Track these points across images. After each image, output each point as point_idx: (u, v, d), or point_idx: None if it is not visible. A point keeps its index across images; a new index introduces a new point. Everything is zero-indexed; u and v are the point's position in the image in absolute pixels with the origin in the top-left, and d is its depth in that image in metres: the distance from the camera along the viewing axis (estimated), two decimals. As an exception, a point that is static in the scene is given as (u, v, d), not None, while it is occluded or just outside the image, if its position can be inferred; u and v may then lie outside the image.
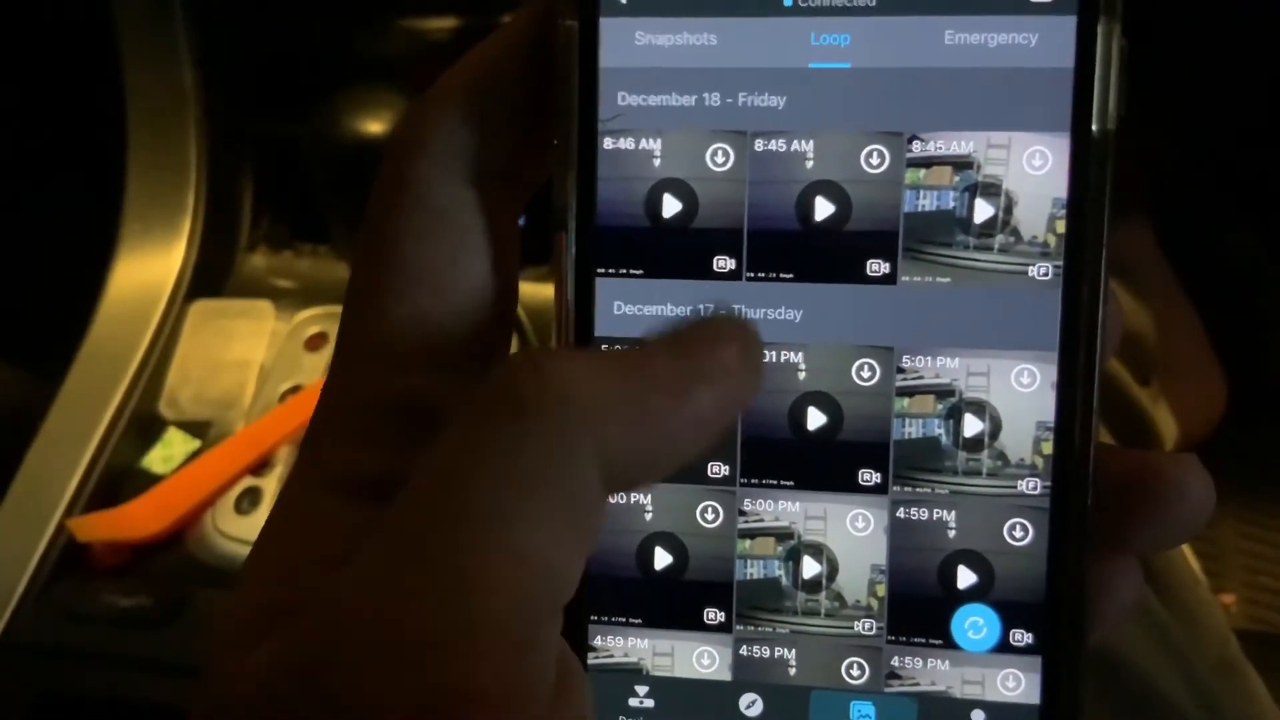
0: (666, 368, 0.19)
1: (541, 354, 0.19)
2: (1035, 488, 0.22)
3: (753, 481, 0.22)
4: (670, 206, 0.22)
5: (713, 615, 0.23)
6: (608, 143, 0.22)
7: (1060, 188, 0.21)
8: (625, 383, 0.19)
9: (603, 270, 0.23)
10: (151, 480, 0.63)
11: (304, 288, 0.73)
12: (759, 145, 0.22)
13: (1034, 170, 0.21)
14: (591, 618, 0.23)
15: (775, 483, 0.22)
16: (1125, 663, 0.45)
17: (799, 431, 0.22)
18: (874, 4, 0.21)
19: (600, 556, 0.23)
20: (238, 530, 0.60)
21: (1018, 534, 0.22)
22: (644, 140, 0.22)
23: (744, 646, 0.23)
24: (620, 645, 0.23)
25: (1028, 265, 0.21)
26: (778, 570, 0.22)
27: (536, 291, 0.58)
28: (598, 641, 0.23)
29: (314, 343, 0.68)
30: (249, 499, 0.61)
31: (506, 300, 0.23)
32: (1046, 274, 0.21)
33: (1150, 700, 0.45)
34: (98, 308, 0.69)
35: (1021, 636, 0.22)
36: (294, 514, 0.21)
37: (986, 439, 0.22)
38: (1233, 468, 0.83)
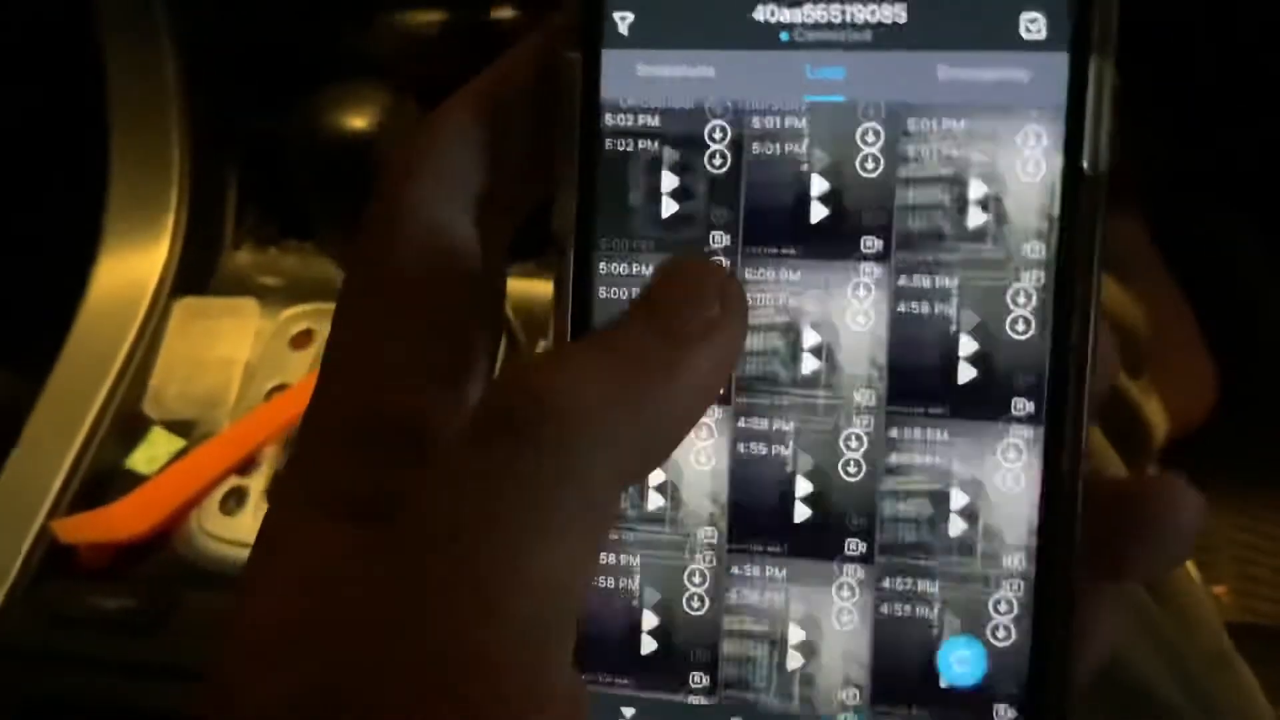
0: (652, 345, 0.19)
1: (529, 369, 0.19)
2: (1017, 586, 0.21)
3: (740, 549, 0.22)
4: (670, 234, 0.23)
5: (698, 680, 0.23)
6: (608, 171, 0.23)
7: (1050, 245, 0.21)
8: (616, 374, 0.19)
9: (604, 295, 0.23)
10: (136, 481, 0.62)
11: (289, 285, 0.72)
12: (756, 195, 0.22)
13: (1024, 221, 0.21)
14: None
15: (762, 550, 0.22)
16: (1117, 659, 0.45)
17: (786, 502, 0.22)
18: (869, 39, 0.22)
19: (586, 618, 0.23)
20: (223, 530, 0.60)
21: (1004, 611, 0.22)
22: (644, 168, 0.23)
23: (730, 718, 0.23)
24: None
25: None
26: (763, 643, 0.22)
27: (524, 289, 0.58)
28: None
29: (300, 340, 0.68)
30: (235, 499, 0.61)
31: (494, 319, 0.23)
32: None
33: (1142, 696, 0.45)
34: (81, 306, 0.69)
35: (1006, 712, 0.21)
36: (289, 531, 0.21)
37: (971, 519, 0.22)
38: (1224, 459, 0.84)
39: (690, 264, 0.21)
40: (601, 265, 0.23)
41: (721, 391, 0.22)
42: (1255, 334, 0.88)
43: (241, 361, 0.68)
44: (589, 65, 0.23)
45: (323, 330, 0.66)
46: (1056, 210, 0.21)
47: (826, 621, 0.22)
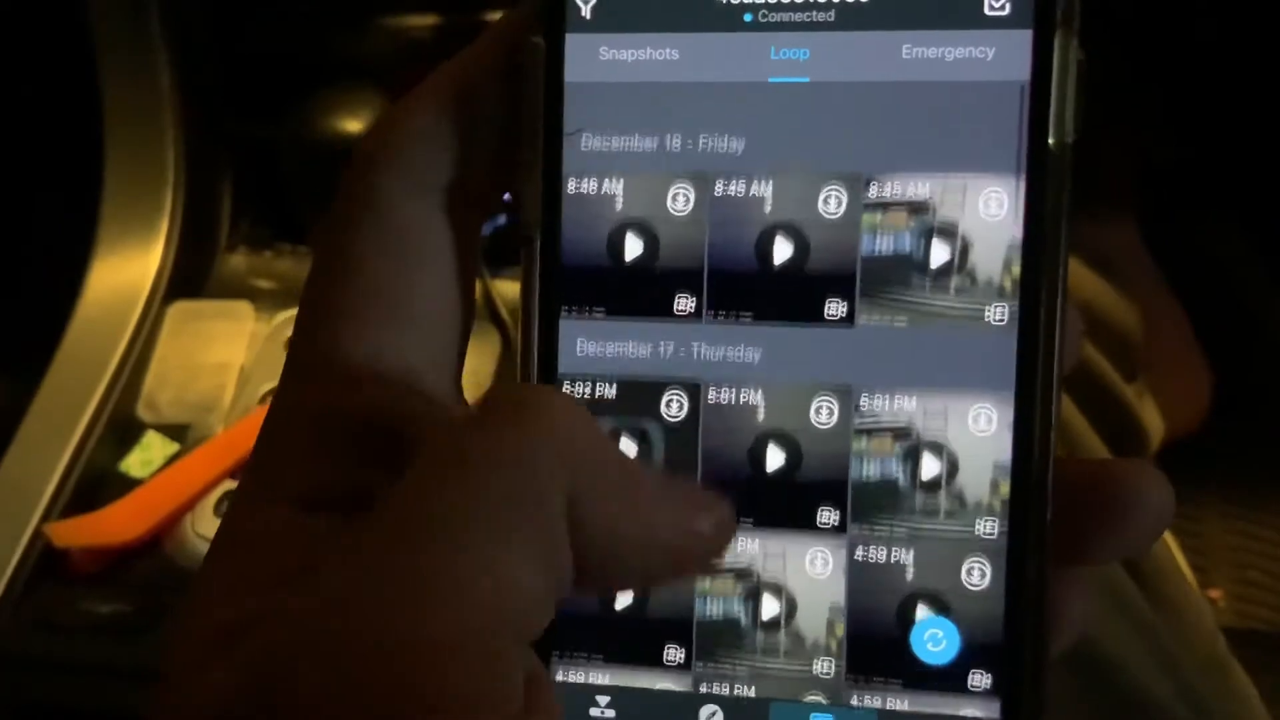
0: (651, 488, 0.19)
1: (537, 389, 0.19)
2: (993, 529, 0.21)
3: None
4: (632, 242, 0.23)
5: (673, 653, 0.23)
6: (572, 157, 0.22)
7: (1016, 232, 0.21)
8: (615, 463, 0.19)
9: (568, 308, 0.23)
10: (130, 484, 0.62)
11: (284, 288, 0.72)
12: (719, 188, 0.22)
13: (990, 215, 0.21)
14: (554, 653, 0.23)
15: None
16: (1112, 664, 0.45)
17: (758, 470, 0.22)
18: (833, 19, 0.22)
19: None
20: (217, 535, 0.59)
21: (975, 576, 0.22)
22: (608, 162, 0.22)
23: (703, 685, 0.23)
24: (581, 681, 0.23)
25: (984, 308, 0.21)
26: (737, 609, 0.22)
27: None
28: (559, 676, 0.23)
29: (294, 344, 0.67)
30: (229, 503, 0.61)
31: (464, 314, 0.23)
32: (1003, 317, 0.21)
33: (1138, 702, 0.44)
34: (75, 310, 0.69)
35: (981, 678, 0.22)
36: (247, 529, 0.21)
37: (944, 480, 0.22)
38: (1220, 463, 0.84)
39: (710, 494, 0.21)
40: (570, 256, 0.23)
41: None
42: (1251, 339, 0.88)
43: (236, 365, 0.68)
44: (552, 50, 0.22)
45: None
46: (1021, 217, 0.21)
47: (800, 593, 0.22)
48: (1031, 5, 0.21)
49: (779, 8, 0.22)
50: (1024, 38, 0.21)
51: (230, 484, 0.61)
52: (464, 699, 0.17)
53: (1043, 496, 0.21)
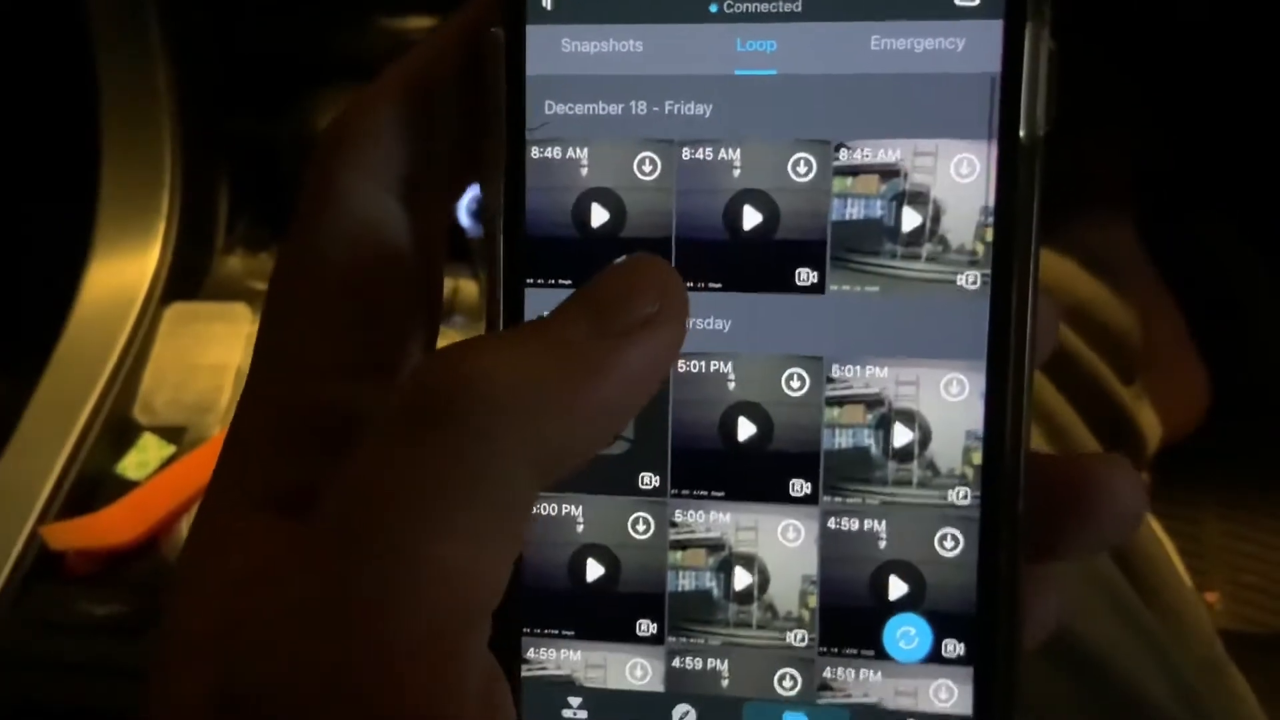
0: (586, 340, 0.19)
1: (455, 352, 0.18)
2: (966, 498, 0.21)
3: (683, 492, 0.22)
4: (598, 216, 0.22)
5: (645, 627, 0.23)
6: (535, 151, 0.22)
7: (988, 196, 0.21)
8: (547, 368, 0.18)
9: (532, 280, 0.22)
10: (126, 486, 0.62)
11: (281, 290, 0.72)
12: (686, 154, 0.22)
13: (961, 178, 0.21)
14: (524, 630, 0.23)
15: (706, 493, 0.22)
16: (1110, 665, 0.44)
17: (729, 442, 0.22)
18: (800, 9, 0.21)
19: (532, 568, 0.23)
20: (214, 537, 0.59)
21: (948, 544, 0.22)
22: (571, 150, 0.22)
23: (676, 658, 0.23)
24: (553, 657, 0.23)
25: (956, 274, 0.21)
26: (709, 582, 0.22)
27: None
28: (530, 653, 0.23)
29: (291, 346, 0.67)
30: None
31: (428, 304, 0.23)
32: (975, 283, 0.21)
33: (1135, 702, 0.44)
34: (72, 311, 0.69)
35: (954, 647, 0.22)
36: (218, 531, 0.21)
37: (916, 449, 0.22)
38: (1216, 465, 0.84)
39: (632, 259, 0.20)
40: (532, 248, 0.22)
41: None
42: (1248, 340, 0.88)
43: (233, 367, 0.68)
44: (513, 41, 0.22)
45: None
46: (993, 182, 0.21)
47: (773, 564, 0.22)
48: None
49: None
50: (995, 28, 0.21)
51: (227, 486, 0.61)
52: (425, 705, 0.17)
53: (1016, 464, 0.21)
